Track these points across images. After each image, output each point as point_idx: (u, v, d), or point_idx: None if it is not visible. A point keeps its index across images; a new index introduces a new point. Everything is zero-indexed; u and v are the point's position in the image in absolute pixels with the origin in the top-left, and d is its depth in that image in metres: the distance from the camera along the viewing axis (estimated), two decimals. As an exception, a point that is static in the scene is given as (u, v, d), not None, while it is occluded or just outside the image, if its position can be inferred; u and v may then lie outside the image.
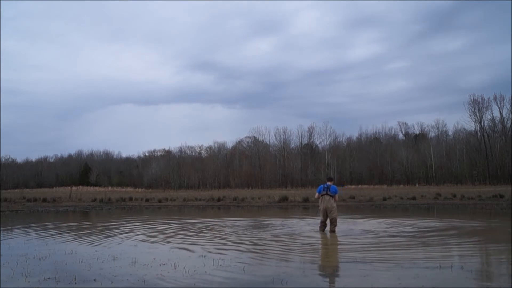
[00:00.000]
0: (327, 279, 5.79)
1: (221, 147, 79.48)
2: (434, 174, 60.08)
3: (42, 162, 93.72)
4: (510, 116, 57.94)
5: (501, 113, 58.65)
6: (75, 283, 5.41)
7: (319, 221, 11.00)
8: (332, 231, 10.56)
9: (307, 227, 12.14)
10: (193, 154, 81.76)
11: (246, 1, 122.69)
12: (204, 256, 7.33)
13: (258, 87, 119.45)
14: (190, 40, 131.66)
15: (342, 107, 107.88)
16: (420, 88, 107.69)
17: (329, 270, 6.47)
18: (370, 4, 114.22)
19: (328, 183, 10.85)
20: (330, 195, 10.68)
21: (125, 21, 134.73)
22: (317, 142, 74.41)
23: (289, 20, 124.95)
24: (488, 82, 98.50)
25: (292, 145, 73.79)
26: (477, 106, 59.29)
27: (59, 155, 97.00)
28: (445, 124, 68.71)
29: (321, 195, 10.75)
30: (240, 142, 79.56)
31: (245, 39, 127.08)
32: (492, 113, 59.41)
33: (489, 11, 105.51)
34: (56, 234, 11.28)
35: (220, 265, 6.51)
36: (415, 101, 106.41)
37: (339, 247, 8.75)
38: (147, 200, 30.18)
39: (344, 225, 12.64)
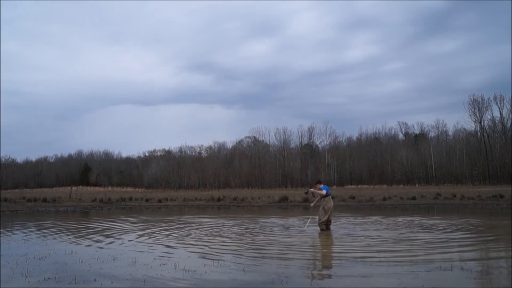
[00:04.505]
0: (327, 279, 5.79)
1: (221, 147, 79.54)
2: (434, 174, 60.06)
3: (42, 162, 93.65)
4: (510, 116, 58.10)
5: (501, 113, 58.78)
6: (75, 283, 5.41)
7: (318, 221, 11.03)
8: (329, 228, 10.95)
9: (307, 227, 12.12)
10: (193, 154, 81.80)
11: (244, 1, 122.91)
12: (204, 256, 7.32)
13: (256, 87, 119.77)
14: (189, 42, 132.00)
15: (341, 107, 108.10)
16: (418, 89, 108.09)
17: (329, 270, 6.47)
18: (366, 6, 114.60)
19: (322, 185, 11.28)
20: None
21: (124, 23, 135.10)
22: (317, 142, 74.52)
23: (286, 22, 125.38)
24: (486, 82, 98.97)
25: (292, 145, 73.86)
26: (477, 106, 59.43)
27: (59, 155, 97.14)
28: (445, 124, 68.86)
29: (328, 195, 11.04)
30: (240, 142, 79.65)
31: (243, 40, 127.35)
32: (492, 113, 59.56)
33: (484, 12, 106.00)
34: (56, 234, 11.27)
35: (220, 265, 6.51)
36: (414, 102, 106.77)
37: (339, 247, 8.75)
38: (147, 200, 30.18)
39: (344, 225, 12.65)
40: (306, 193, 11.33)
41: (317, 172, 65.03)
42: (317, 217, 11.19)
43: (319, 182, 11.45)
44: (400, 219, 14.59)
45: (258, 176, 67.72)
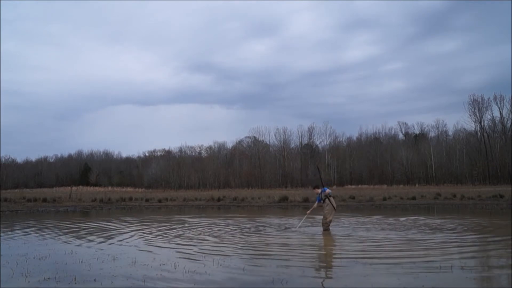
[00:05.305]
0: (327, 279, 5.79)
1: (221, 147, 79.54)
2: (434, 174, 60.05)
3: (42, 162, 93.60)
4: (510, 116, 58.10)
5: (501, 113, 58.80)
6: (75, 283, 5.41)
7: (323, 220, 10.99)
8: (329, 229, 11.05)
9: (307, 227, 12.13)
10: (193, 154, 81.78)
11: (243, 2, 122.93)
12: (204, 256, 7.32)
13: (256, 88, 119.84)
14: (189, 42, 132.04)
15: (341, 107, 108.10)
16: (418, 89, 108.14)
17: (329, 270, 6.47)
18: (366, 6, 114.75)
19: (319, 190, 11.24)
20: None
21: (124, 23, 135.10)
22: (317, 142, 74.56)
23: (285, 22, 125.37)
24: (486, 82, 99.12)
25: (292, 145, 73.87)
26: (477, 106, 59.45)
27: (59, 155, 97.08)
28: (445, 124, 68.91)
29: (331, 196, 11.04)
30: (240, 142, 79.64)
31: (242, 40, 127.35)
32: (492, 113, 59.58)
33: (484, 12, 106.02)
34: (56, 234, 11.28)
35: (220, 265, 6.51)
36: (414, 102, 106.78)
37: (339, 247, 8.75)
38: (147, 200, 30.18)
39: (345, 225, 12.65)
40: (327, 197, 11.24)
41: (317, 172, 64.88)
42: (315, 216, 11.16)
43: (317, 187, 11.42)
44: (402, 218, 14.59)
45: (258, 176, 67.70)
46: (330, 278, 5.86)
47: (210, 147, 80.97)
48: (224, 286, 5.29)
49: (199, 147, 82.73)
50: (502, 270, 6.14)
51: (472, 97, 60.14)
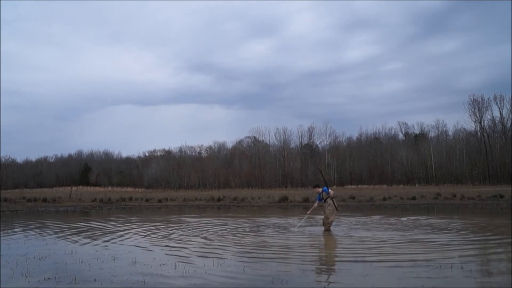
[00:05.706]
0: (327, 279, 5.79)
1: (221, 147, 79.52)
2: (434, 174, 60.03)
3: (42, 162, 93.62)
4: (510, 116, 58.05)
5: (501, 113, 58.74)
6: (75, 283, 5.41)
7: (325, 220, 10.97)
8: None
9: (307, 227, 12.13)
10: (193, 154, 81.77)
11: (243, 2, 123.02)
12: (204, 256, 7.32)
13: (256, 88, 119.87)
14: (189, 42, 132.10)
15: (341, 107, 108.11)
16: (418, 89, 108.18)
17: (329, 270, 6.47)
18: (366, 6, 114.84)
19: (320, 189, 11.21)
20: None
21: (124, 23, 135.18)
22: (317, 142, 74.52)
23: (285, 22, 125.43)
24: (486, 82, 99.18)
25: (292, 145, 73.83)
26: (477, 106, 59.39)
27: (59, 155, 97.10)
28: (445, 124, 68.83)
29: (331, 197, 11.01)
30: (240, 142, 79.61)
31: (243, 40, 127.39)
32: (492, 113, 59.53)
33: (484, 12, 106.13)
34: (56, 234, 11.28)
35: (220, 265, 6.51)
36: (413, 102, 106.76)
37: (339, 247, 8.75)
38: (147, 200, 30.18)
39: (345, 224, 12.65)
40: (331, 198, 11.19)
41: (317, 172, 64.92)
42: (314, 216, 11.14)
43: (318, 186, 11.45)
44: (403, 218, 14.59)
45: (258, 176, 67.69)
46: (331, 278, 5.85)
47: (210, 147, 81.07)
48: (224, 286, 5.29)
49: (199, 147, 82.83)
50: (502, 270, 6.13)
51: (472, 97, 60.20)
